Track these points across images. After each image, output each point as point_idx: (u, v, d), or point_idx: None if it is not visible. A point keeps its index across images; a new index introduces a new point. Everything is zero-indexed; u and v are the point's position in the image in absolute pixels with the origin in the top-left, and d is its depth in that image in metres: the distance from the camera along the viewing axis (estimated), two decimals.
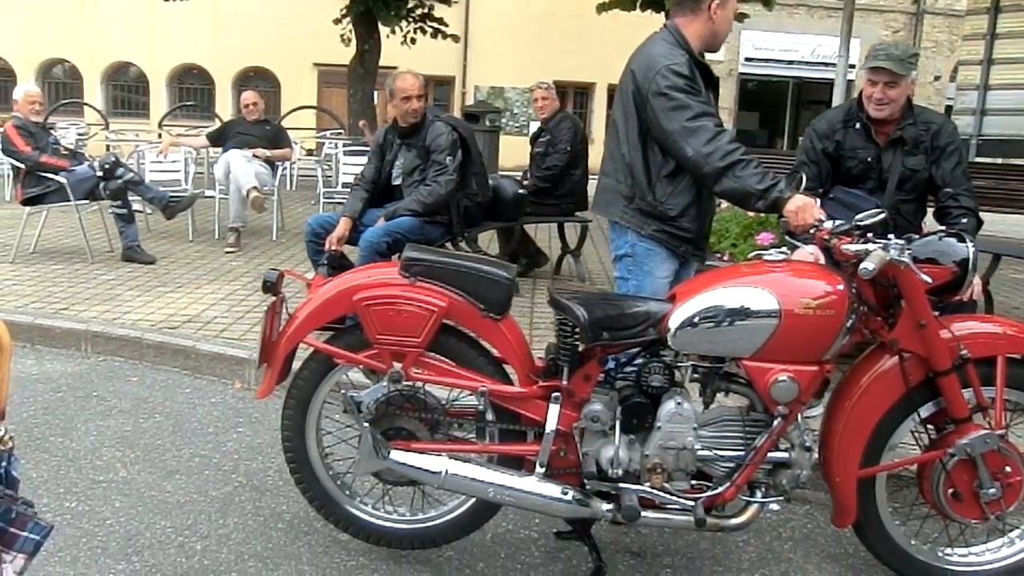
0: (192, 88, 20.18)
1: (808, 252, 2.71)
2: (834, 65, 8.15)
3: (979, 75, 7.61)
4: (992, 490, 2.23)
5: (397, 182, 4.64)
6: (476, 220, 5.01)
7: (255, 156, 6.99)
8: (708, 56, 2.81)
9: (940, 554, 2.41)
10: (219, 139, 7.42)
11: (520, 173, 6.26)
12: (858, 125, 3.16)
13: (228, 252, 6.48)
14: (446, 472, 2.22)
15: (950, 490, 2.25)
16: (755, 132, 21.93)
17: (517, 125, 19.72)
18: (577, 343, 2.25)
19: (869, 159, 3.15)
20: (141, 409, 3.58)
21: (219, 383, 3.94)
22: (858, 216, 2.24)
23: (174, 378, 4.00)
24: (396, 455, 2.25)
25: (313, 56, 18.68)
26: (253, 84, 19.61)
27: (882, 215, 2.22)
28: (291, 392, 2.39)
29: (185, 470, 3.01)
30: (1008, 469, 2.22)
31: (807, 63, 20.78)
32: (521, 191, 5.47)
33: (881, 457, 2.30)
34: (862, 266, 2.04)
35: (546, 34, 19.15)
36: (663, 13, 10.09)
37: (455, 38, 13.20)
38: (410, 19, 12.31)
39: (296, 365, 2.42)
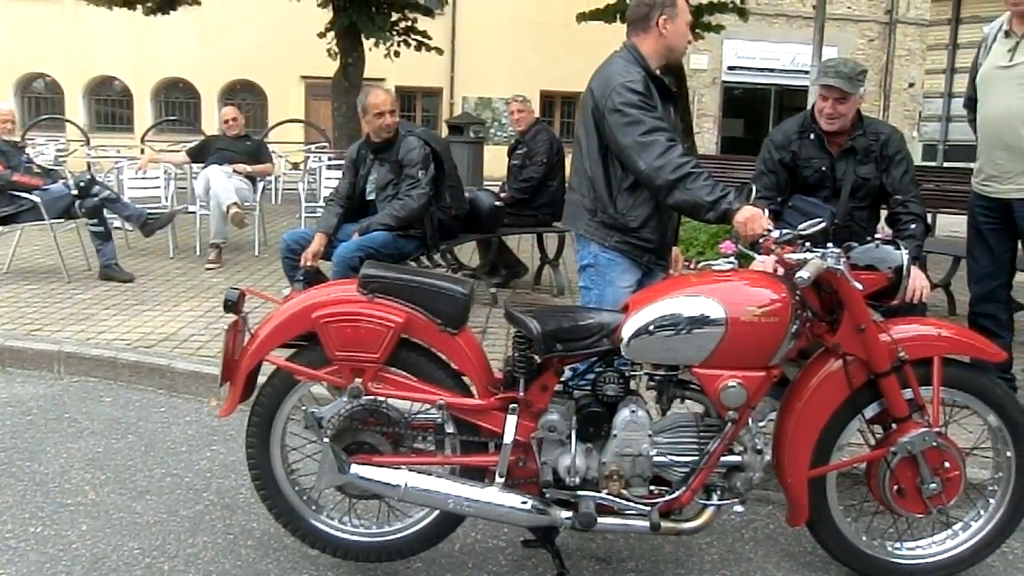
0: (178, 102, 20.14)
1: (760, 261, 2.79)
2: None
3: (943, 83, 7.85)
4: (933, 485, 2.31)
5: (371, 197, 4.70)
6: (451, 233, 5.06)
7: (236, 172, 7.02)
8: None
9: (890, 548, 2.48)
10: (199, 155, 7.43)
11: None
12: (812, 136, 3.27)
13: (209, 268, 6.50)
14: (406, 485, 2.26)
15: (895, 486, 2.33)
16: (741, 138, 22.12)
17: (505, 135, 19.75)
18: (533, 355, 2.31)
19: (823, 168, 3.25)
20: (113, 430, 3.60)
21: (195, 401, 3.97)
22: (800, 226, 2.31)
23: (149, 397, 4.02)
24: (357, 469, 2.29)
25: (300, 68, 18.69)
26: (240, 97, 19.68)
27: (822, 224, 2.29)
28: (255, 410, 2.43)
29: (156, 490, 3.03)
30: (947, 464, 2.31)
31: (787, 71, 21.06)
32: (498, 203, 5.53)
33: (830, 457, 2.36)
34: (798, 275, 2.11)
35: (533, 44, 19.24)
36: None
37: (439, 51, 13.30)
38: (394, 32, 12.38)
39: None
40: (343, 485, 2.35)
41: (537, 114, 6.37)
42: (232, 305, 2.37)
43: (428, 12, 13.24)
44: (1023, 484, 2.38)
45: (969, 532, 2.45)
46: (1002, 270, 3.36)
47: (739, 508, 2.36)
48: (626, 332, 2.24)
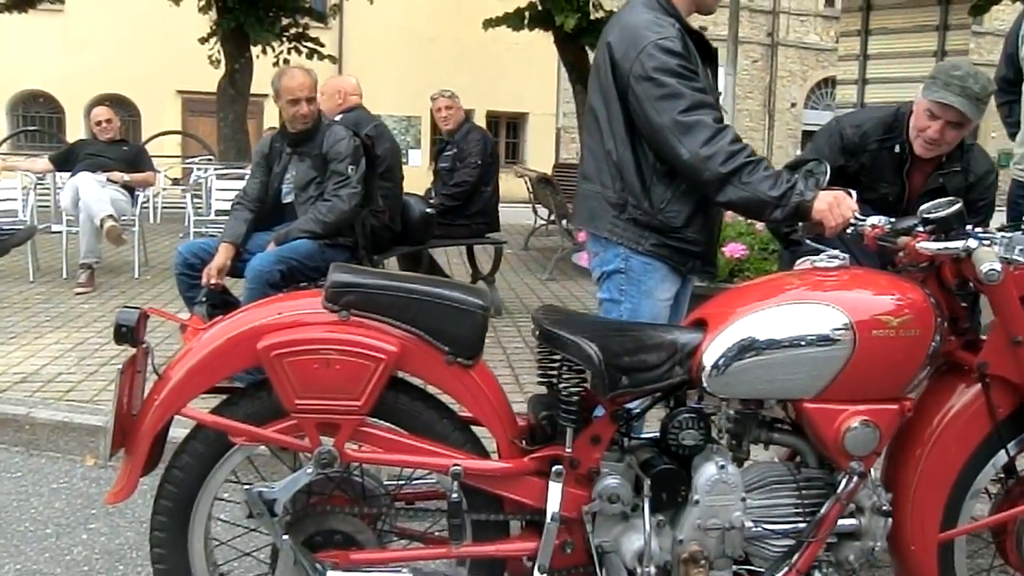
0: (38, 116, 18.59)
1: (809, 261, 2.18)
2: None
3: (855, 93, 7.89)
4: None
5: (289, 199, 3.88)
6: (383, 242, 4.32)
7: (110, 180, 6.05)
8: None
9: None
10: (66, 162, 6.41)
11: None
12: (897, 148, 2.55)
13: (79, 293, 5.50)
14: None
15: None
16: None
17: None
18: (582, 393, 1.63)
19: (890, 199, 2.52)
20: None
21: (64, 461, 3.05)
22: (924, 207, 1.75)
23: (0, 458, 3.07)
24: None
25: (176, 83, 17.51)
26: None
27: (958, 205, 1.72)
28: (165, 489, 1.62)
29: None
30: None
31: None
32: (429, 210, 4.85)
33: (962, 511, 1.79)
34: (987, 269, 1.54)
35: (424, 59, 18.63)
36: (551, 32, 9.80)
37: (332, 59, 12.52)
38: (284, 39, 11.53)
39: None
40: None
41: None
42: (127, 333, 1.57)
43: (321, 18, 12.44)
44: None
45: None
46: None
47: None
48: (709, 357, 1.62)
